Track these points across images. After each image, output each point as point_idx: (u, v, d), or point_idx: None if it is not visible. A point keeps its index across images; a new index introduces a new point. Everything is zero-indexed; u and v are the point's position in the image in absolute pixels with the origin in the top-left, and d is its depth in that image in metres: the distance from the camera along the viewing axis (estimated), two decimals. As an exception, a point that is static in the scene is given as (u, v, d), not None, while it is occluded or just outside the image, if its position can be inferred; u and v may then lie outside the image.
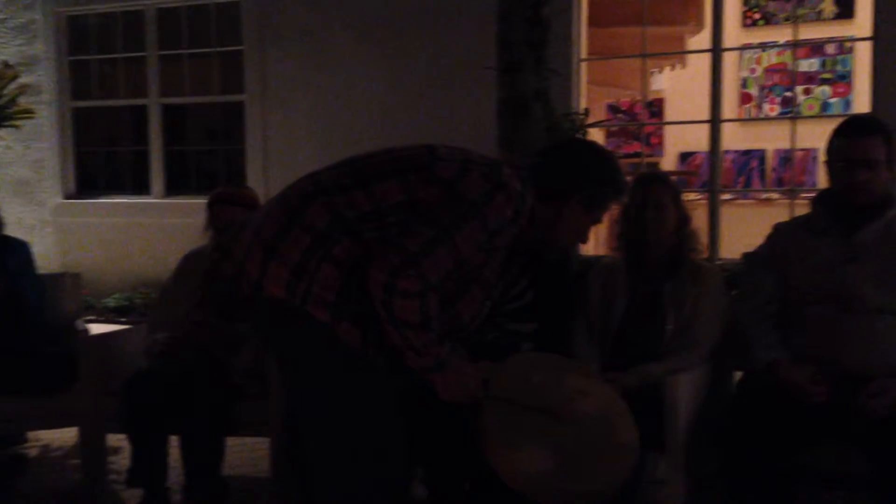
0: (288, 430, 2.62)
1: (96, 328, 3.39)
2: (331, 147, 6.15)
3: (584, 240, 2.23)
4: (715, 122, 5.23)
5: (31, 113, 4.48)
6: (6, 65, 4.30)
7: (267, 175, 6.41)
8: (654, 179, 2.86)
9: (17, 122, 4.33)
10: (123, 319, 6.32)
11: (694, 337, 2.58)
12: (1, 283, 3.03)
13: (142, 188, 6.95)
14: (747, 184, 7.69)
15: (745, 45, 7.37)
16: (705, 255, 2.78)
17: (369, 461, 1.86)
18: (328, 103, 6.27)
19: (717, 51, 5.17)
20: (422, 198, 1.84)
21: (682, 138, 7.77)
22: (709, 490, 2.43)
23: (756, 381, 2.45)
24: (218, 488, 2.83)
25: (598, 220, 2.16)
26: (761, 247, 2.62)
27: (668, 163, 7.91)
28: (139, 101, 6.84)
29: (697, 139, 7.43)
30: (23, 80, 4.78)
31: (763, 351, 2.41)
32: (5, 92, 4.15)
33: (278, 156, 6.43)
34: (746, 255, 2.74)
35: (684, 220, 2.74)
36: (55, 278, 3.46)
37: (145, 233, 6.69)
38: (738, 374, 2.74)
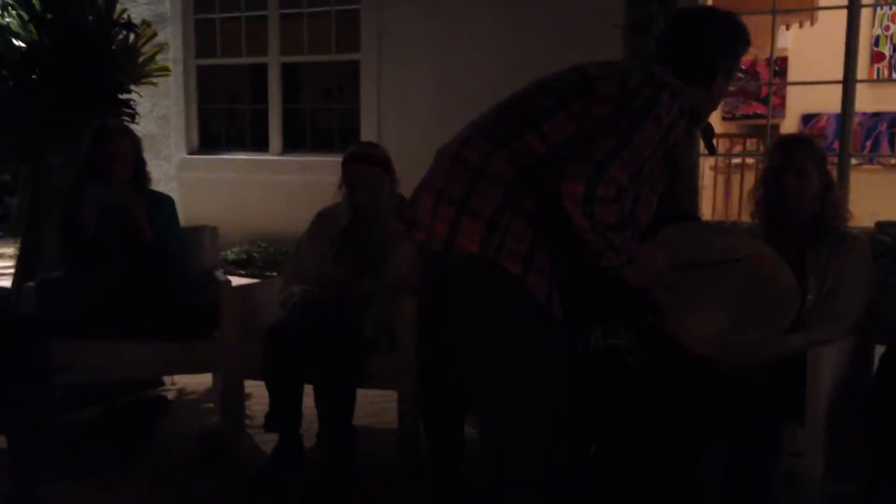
0: (423, 385, 2.70)
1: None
2: (445, 105, 6.16)
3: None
4: (849, 82, 4.98)
5: (168, 71, 4.65)
6: (146, 23, 4.46)
7: (381, 133, 6.48)
8: (795, 142, 2.75)
9: (154, 80, 4.51)
10: (242, 272, 6.57)
11: (837, 308, 2.49)
12: (149, 236, 3.19)
13: (260, 145, 7.15)
14: (874, 148, 7.34)
15: (879, 0, 6.98)
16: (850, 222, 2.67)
17: (540, 416, 1.89)
18: (443, 61, 6.27)
19: (854, 6, 4.91)
20: (590, 123, 1.88)
21: (805, 99, 7.45)
22: (848, 463, 2.38)
23: (903, 356, 2.36)
24: (349, 437, 2.93)
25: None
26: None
27: (790, 125, 7.61)
28: (260, 60, 7.01)
29: (822, 100, 7.11)
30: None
31: (913, 324, 2.33)
32: (144, 50, 4.31)
33: (392, 113, 6.49)
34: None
35: (828, 185, 2.63)
36: (195, 231, 3.61)
37: (263, 189, 6.89)
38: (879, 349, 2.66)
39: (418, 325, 2.84)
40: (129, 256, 3.19)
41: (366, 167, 3.11)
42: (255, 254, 6.74)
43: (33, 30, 4.10)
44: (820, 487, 2.26)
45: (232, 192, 7.02)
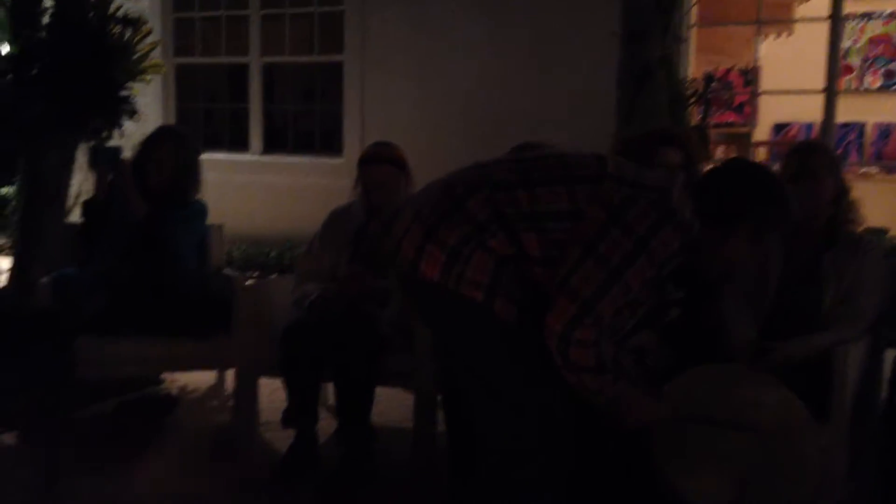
0: (441, 387, 2.71)
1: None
2: (427, 110, 6.19)
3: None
4: (830, 92, 5.14)
5: (161, 68, 4.61)
6: (142, 20, 4.42)
7: (363, 136, 6.46)
8: (810, 149, 2.84)
9: (147, 77, 4.47)
10: (220, 272, 6.50)
11: (856, 308, 2.57)
12: (137, 207, 3.21)
13: (240, 145, 7.09)
14: (843, 157, 7.55)
15: (849, 13, 7.19)
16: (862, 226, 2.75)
17: (531, 422, 1.91)
18: (427, 67, 6.28)
19: (836, 18, 5.06)
20: (586, 213, 1.85)
21: (777, 109, 7.62)
22: (867, 462, 2.45)
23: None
24: (367, 434, 2.94)
25: (761, 255, 2.14)
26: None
27: (762, 133, 7.77)
28: (240, 60, 6.96)
29: (794, 110, 7.29)
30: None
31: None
32: (140, 47, 4.28)
33: (375, 117, 6.48)
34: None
35: (843, 190, 2.72)
36: (203, 229, 3.57)
37: (242, 189, 6.80)
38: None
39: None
40: (124, 224, 3.21)
41: (382, 167, 3.11)
42: (234, 254, 6.68)
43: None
44: (843, 485, 2.33)
45: (210, 192, 6.88)
